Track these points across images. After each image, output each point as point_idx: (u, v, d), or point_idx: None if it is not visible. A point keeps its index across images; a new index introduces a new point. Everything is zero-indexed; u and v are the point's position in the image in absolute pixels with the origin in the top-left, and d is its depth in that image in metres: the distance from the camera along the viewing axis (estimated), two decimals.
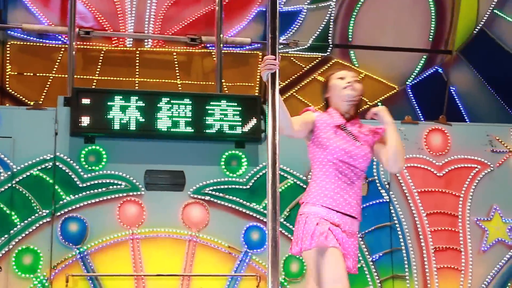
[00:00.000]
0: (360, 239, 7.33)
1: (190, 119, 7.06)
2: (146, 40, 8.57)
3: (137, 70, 8.48)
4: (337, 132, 3.88)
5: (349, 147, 3.87)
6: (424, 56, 9.22)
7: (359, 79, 4.02)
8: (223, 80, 8.16)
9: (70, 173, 6.88)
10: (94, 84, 8.28)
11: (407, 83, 9.17)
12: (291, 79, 8.90)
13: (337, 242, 3.70)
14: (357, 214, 3.89)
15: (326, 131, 3.90)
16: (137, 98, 7.02)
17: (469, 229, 7.58)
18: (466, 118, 9.09)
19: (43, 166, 6.84)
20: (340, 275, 3.62)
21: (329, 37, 8.90)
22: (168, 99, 7.07)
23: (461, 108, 9.16)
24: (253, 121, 7.18)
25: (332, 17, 8.87)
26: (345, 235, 3.79)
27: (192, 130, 7.04)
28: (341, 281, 3.60)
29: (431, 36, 9.17)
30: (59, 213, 6.80)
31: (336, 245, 3.69)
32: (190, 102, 7.09)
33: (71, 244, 6.78)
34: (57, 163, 6.86)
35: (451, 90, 9.19)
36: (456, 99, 9.20)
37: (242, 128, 7.11)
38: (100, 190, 6.91)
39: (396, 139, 3.83)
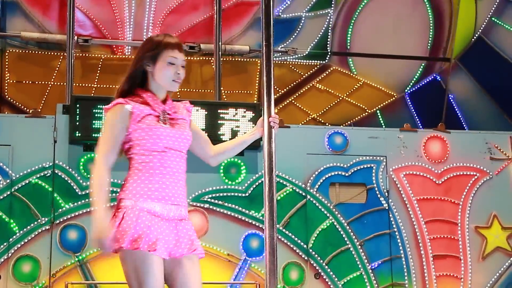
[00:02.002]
0: (359, 246, 7.33)
1: None
2: None
3: None
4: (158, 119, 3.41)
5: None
6: (423, 64, 9.24)
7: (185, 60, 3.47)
8: (221, 88, 8.17)
9: (69, 181, 6.87)
10: (93, 92, 8.28)
11: (405, 90, 9.18)
12: (289, 86, 8.91)
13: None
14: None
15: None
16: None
17: (468, 236, 7.59)
18: (464, 125, 9.10)
19: (42, 174, 6.84)
20: None
21: (328, 45, 8.92)
22: None
23: (460, 116, 9.18)
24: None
25: (330, 25, 8.89)
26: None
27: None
28: None
29: (429, 44, 9.19)
30: (58, 221, 6.79)
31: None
32: None
33: (70, 252, 6.77)
34: (56, 171, 6.85)
35: (450, 98, 9.20)
36: (455, 107, 9.22)
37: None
38: None
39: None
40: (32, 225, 6.73)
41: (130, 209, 3.36)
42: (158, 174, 3.37)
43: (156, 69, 3.42)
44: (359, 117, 9.00)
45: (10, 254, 6.66)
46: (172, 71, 3.40)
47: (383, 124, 8.98)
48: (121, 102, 3.40)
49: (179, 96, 8.50)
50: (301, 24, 8.85)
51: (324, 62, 8.97)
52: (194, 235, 3.48)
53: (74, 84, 7.62)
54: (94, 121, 6.90)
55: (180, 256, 3.36)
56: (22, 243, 6.69)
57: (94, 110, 6.93)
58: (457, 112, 9.20)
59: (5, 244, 6.66)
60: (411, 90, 9.21)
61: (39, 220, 6.75)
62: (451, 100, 9.22)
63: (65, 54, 7.91)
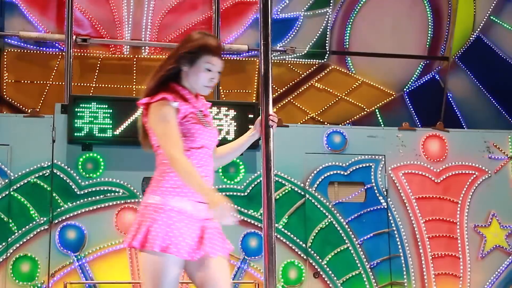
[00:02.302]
0: (359, 246, 7.33)
1: None
2: (143, 48, 8.57)
3: (134, 77, 8.48)
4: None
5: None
6: (421, 63, 9.24)
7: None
8: (220, 87, 8.16)
9: (67, 181, 6.87)
10: (92, 91, 8.28)
11: (404, 89, 9.18)
12: (288, 85, 8.90)
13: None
14: None
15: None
16: (134, 105, 7.00)
17: (467, 235, 7.59)
18: (463, 124, 9.10)
19: (40, 174, 6.83)
20: None
21: (326, 44, 8.92)
22: None
23: (459, 115, 9.18)
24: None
25: (329, 24, 8.88)
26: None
27: None
28: None
29: (428, 43, 9.19)
30: (57, 221, 6.78)
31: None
32: None
33: (69, 252, 6.76)
34: (54, 171, 6.85)
35: (448, 97, 9.20)
36: (453, 106, 9.22)
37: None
38: (97, 197, 6.90)
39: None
40: (30, 224, 6.73)
41: (162, 209, 3.27)
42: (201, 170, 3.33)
43: (191, 71, 3.39)
44: (357, 116, 9.00)
45: (8, 254, 6.65)
46: (207, 77, 3.37)
47: (381, 123, 8.98)
48: (167, 97, 3.33)
49: None
50: (299, 23, 8.85)
51: (322, 61, 8.96)
52: (223, 234, 3.43)
53: (72, 84, 7.61)
54: (92, 121, 6.90)
55: (207, 256, 3.29)
56: (21, 242, 6.69)
57: (92, 110, 6.93)
58: (456, 111, 9.20)
59: (3, 244, 6.65)
60: (410, 89, 9.21)
61: (37, 220, 6.75)
62: (450, 99, 9.22)
63: (63, 53, 7.90)
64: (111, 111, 6.95)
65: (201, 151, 3.35)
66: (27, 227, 6.72)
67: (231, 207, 3.20)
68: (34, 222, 6.74)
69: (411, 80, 9.21)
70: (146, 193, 3.39)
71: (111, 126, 6.93)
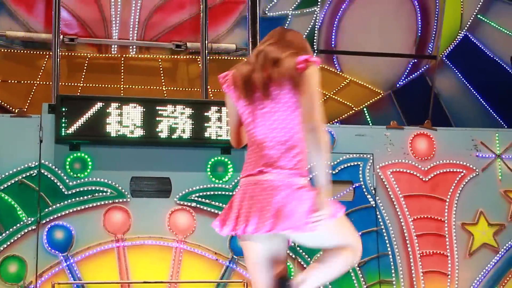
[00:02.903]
0: None
1: (176, 126, 7.04)
2: (131, 47, 8.56)
3: (122, 77, 8.46)
4: None
5: None
6: (409, 62, 9.27)
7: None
8: (208, 87, 8.15)
9: (55, 181, 6.84)
10: (79, 91, 8.25)
11: (392, 88, 9.20)
12: None
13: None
14: None
15: None
16: (123, 105, 6.99)
17: (455, 233, 7.61)
18: (451, 122, 9.13)
19: (28, 174, 6.80)
20: None
21: (314, 43, 8.93)
22: (153, 105, 7.05)
23: (446, 113, 9.22)
24: None
25: (317, 23, 8.90)
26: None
27: (178, 137, 7.02)
28: None
29: (415, 42, 9.21)
30: (44, 221, 6.76)
31: None
32: (175, 108, 7.08)
33: (57, 252, 6.74)
34: (42, 171, 6.82)
35: (436, 95, 9.24)
36: (441, 104, 9.25)
37: (227, 134, 7.10)
38: (85, 197, 6.88)
39: None
40: (18, 225, 6.70)
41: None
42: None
43: None
44: (346, 115, 9.02)
45: None
46: None
47: (370, 121, 9.00)
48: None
49: (165, 95, 8.50)
50: (287, 22, 8.85)
51: None
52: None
53: (60, 84, 7.58)
54: (80, 121, 6.87)
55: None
56: (8, 243, 6.66)
57: (80, 110, 6.90)
58: (444, 109, 9.24)
59: None
60: (398, 88, 9.24)
61: (25, 220, 6.72)
62: (438, 98, 9.26)
63: (50, 53, 7.88)
64: (99, 110, 6.93)
65: None
66: (14, 227, 6.69)
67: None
68: (21, 222, 6.71)
69: (399, 79, 9.24)
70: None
71: (98, 126, 6.91)
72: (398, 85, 9.23)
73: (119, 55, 8.51)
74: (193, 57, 8.63)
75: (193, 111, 7.09)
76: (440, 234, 7.58)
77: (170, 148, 7.09)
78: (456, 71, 9.29)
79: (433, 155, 7.74)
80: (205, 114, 7.10)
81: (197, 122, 7.06)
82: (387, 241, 7.44)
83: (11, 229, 6.68)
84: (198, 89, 8.24)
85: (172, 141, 7.04)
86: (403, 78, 9.24)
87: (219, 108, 7.13)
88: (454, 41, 9.26)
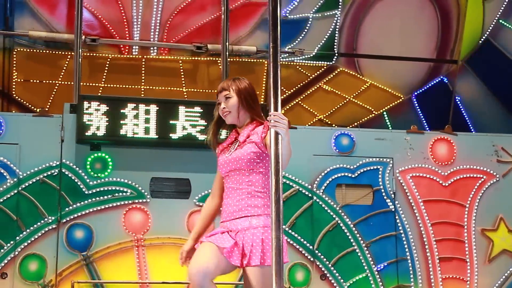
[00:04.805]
0: (365, 248, 7.32)
1: (196, 127, 7.06)
2: (152, 48, 8.59)
3: (143, 77, 8.50)
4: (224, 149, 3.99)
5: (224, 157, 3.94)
6: (430, 66, 9.23)
7: (230, 93, 3.93)
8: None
9: (76, 180, 6.89)
10: (100, 91, 8.30)
11: (412, 92, 9.17)
12: (296, 87, 8.91)
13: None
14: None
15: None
16: (143, 105, 7.03)
17: (474, 239, 7.58)
18: (471, 128, 9.09)
19: (49, 173, 6.85)
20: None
21: (335, 46, 8.92)
22: (174, 107, 7.08)
23: (467, 118, 9.17)
24: None
25: (337, 26, 8.88)
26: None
27: (197, 138, 7.05)
28: None
29: (436, 46, 9.18)
30: (65, 220, 6.80)
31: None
32: (195, 110, 7.10)
33: (76, 251, 6.78)
34: (63, 170, 6.87)
35: (457, 100, 9.19)
36: (462, 109, 9.20)
37: None
38: (105, 197, 6.92)
39: (285, 147, 3.66)
40: (39, 223, 6.75)
41: None
42: (225, 196, 3.90)
43: None
44: (365, 118, 9.00)
45: (16, 253, 6.68)
46: (220, 110, 3.96)
47: (389, 125, 8.98)
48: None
49: (185, 96, 8.52)
50: (308, 25, 8.85)
51: (331, 63, 8.97)
52: (255, 245, 3.74)
53: (81, 84, 7.63)
54: (101, 121, 6.91)
55: (242, 266, 3.77)
56: (29, 241, 6.71)
57: (101, 110, 6.94)
58: (464, 114, 9.19)
59: (12, 242, 6.68)
60: (418, 92, 9.20)
61: (46, 219, 6.77)
62: (458, 102, 9.21)
63: (72, 53, 7.93)
64: (119, 111, 6.96)
65: (229, 177, 3.89)
66: (35, 226, 6.74)
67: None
68: (42, 221, 6.76)
69: (420, 83, 9.20)
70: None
71: (119, 126, 6.94)
72: (418, 89, 9.19)
73: (140, 56, 8.54)
74: (214, 58, 8.65)
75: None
76: (460, 239, 7.55)
77: (190, 149, 7.12)
78: (477, 76, 9.24)
79: (453, 160, 7.71)
80: None
81: None
82: (406, 246, 7.42)
83: (32, 228, 6.73)
84: None
85: (192, 142, 7.06)
86: (423, 82, 9.20)
87: None
88: (476, 46, 9.20)
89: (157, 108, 7.04)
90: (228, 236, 3.78)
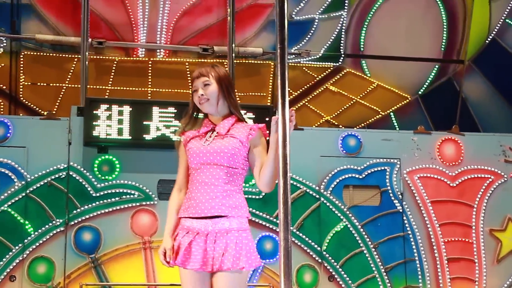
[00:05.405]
0: (374, 249, 7.31)
1: None
2: (158, 50, 8.61)
3: (150, 80, 8.51)
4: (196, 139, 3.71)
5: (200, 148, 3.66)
6: (436, 66, 9.22)
7: (209, 80, 3.73)
8: (235, 90, 8.16)
9: (83, 183, 6.90)
10: (107, 94, 8.32)
11: (419, 93, 9.16)
12: (303, 89, 8.91)
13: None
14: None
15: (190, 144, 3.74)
16: (150, 108, 7.04)
17: (482, 239, 7.55)
18: (479, 128, 9.06)
19: (57, 176, 6.87)
20: None
21: (341, 47, 8.91)
22: (181, 109, 7.08)
23: (474, 118, 9.15)
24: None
25: (344, 27, 8.88)
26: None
27: None
28: None
29: (443, 46, 9.16)
30: (72, 222, 6.82)
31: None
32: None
33: (84, 253, 6.79)
34: (70, 173, 6.88)
35: (464, 100, 9.17)
36: (469, 109, 9.18)
37: None
38: (113, 199, 6.93)
39: (276, 161, 3.52)
40: (47, 226, 6.77)
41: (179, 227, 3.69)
42: (194, 190, 3.61)
43: None
44: (372, 119, 8.99)
45: (25, 255, 6.69)
46: (196, 97, 3.73)
47: (396, 126, 8.96)
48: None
49: None
50: (314, 26, 8.85)
51: (337, 64, 8.96)
52: (229, 249, 3.52)
53: (88, 86, 7.65)
54: (108, 123, 6.93)
55: (213, 271, 3.52)
56: (37, 244, 6.72)
57: (108, 112, 6.96)
58: (471, 114, 9.17)
59: (20, 245, 6.69)
60: (425, 92, 9.19)
61: (54, 222, 6.78)
62: (465, 102, 9.19)
63: (79, 56, 7.95)
64: (126, 113, 6.98)
65: (202, 170, 3.62)
66: (43, 228, 6.76)
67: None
68: (50, 224, 6.77)
69: (426, 84, 9.19)
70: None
71: (126, 129, 6.96)
72: (425, 89, 9.17)
73: (146, 59, 8.56)
74: (220, 60, 8.66)
75: None
76: (468, 240, 7.53)
77: None
78: (484, 75, 9.22)
79: (460, 161, 7.69)
80: None
81: None
82: (414, 247, 7.41)
83: (40, 230, 6.75)
84: None
85: None
86: (430, 82, 9.19)
87: (245, 111, 7.14)
88: (482, 46, 9.18)
89: (164, 110, 7.04)
90: (196, 248, 3.53)
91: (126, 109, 6.99)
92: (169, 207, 3.73)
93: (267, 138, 3.71)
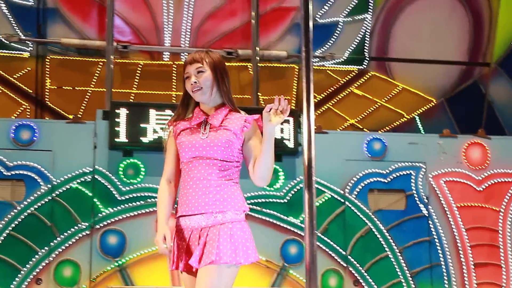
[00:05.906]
0: (399, 254, 7.26)
1: None
2: (182, 54, 8.63)
3: (174, 83, 8.53)
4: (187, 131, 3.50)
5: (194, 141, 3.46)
6: (462, 69, 9.14)
7: (203, 66, 3.47)
8: (259, 93, 8.17)
9: (109, 186, 6.93)
10: (132, 97, 8.35)
11: (444, 96, 9.09)
12: (327, 92, 8.88)
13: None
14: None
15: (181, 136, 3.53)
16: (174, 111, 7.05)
17: (510, 244, 7.47)
18: (505, 131, 8.97)
19: (82, 179, 6.91)
20: None
21: (365, 50, 8.87)
22: None
23: (500, 121, 9.05)
24: (290, 134, 7.18)
25: (368, 30, 8.84)
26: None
27: None
28: None
29: (468, 49, 9.08)
30: (98, 226, 6.85)
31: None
32: None
33: (110, 257, 6.82)
34: (96, 176, 6.92)
35: (490, 103, 9.09)
36: (495, 112, 9.09)
37: (279, 141, 7.10)
38: (138, 203, 6.95)
39: (272, 155, 3.39)
40: (72, 229, 6.81)
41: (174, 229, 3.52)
42: (186, 186, 3.42)
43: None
44: (397, 122, 8.93)
45: (51, 259, 6.73)
46: (188, 85, 3.47)
47: (421, 129, 8.90)
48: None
49: None
50: (338, 29, 8.82)
51: (362, 67, 8.92)
52: (215, 243, 3.36)
53: (113, 90, 7.69)
54: (133, 127, 6.95)
55: (197, 267, 3.35)
56: (63, 247, 6.77)
57: (133, 116, 6.98)
58: (498, 117, 9.08)
59: (46, 248, 6.74)
60: (450, 96, 9.11)
61: (79, 225, 6.82)
62: (491, 105, 9.10)
63: (104, 60, 7.99)
64: (151, 117, 7.00)
65: (193, 164, 3.42)
66: (69, 232, 6.80)
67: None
68: (76, 227, 6.81)
69: (452, 87, 9.11)
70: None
71: (151, 132, 6.98)
72: (450, 93, 9.10)
73: (171, 62, 8.58)
74: (244, 64, 8.66)
75: None
76: (495, 244, 7.45)
77: None
78: (510, 78, 9.12)
79: (487, 164, 7.62)
80: None
81: None
82: (440, 251, 7.34)
83: (65, 234, 6.79)
84: (249, 96, 8.26)
85: None
86: (455, 85, 9.11)
87: None
88: (508, 48, 9.09)
89: None
90: (192, 248, 3.39)
91: (151, 112, 7.00)
92: (159, 197, 3.52)
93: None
